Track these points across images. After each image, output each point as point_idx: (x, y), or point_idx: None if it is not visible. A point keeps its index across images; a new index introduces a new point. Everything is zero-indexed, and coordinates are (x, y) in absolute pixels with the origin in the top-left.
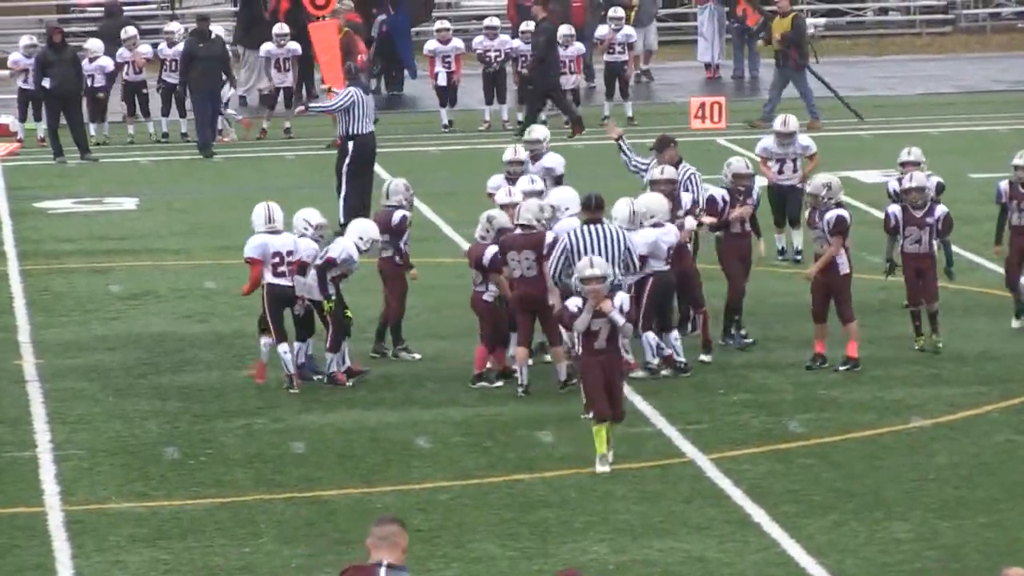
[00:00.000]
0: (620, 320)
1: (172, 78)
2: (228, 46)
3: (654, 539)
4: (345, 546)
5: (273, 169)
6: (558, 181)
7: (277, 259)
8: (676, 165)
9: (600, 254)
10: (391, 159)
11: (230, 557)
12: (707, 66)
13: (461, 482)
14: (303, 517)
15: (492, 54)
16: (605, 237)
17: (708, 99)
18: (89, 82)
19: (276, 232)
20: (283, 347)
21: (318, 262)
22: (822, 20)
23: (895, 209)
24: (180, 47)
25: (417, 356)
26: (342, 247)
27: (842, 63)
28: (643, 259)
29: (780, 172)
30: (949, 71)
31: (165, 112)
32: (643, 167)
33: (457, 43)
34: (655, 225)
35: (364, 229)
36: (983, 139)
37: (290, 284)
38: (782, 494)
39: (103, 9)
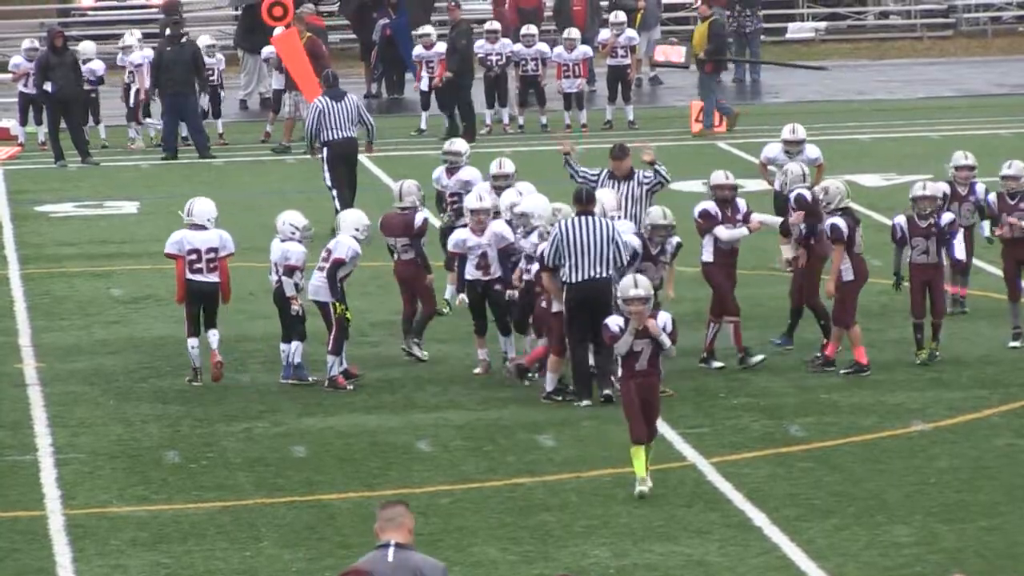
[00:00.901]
0: (668, 343)
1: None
2: (210, 50)
3: (655, 543)
4: (346, 550)
5: (274, 173)
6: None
7: (194, 256)
8: (630, 175)
9: (591, 245)
10: (392, 163)
11: (231, 561)
12: None
13: (462, 486)
14: (304, 521)
15: (493, 58)
16: (596, 229)
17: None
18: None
19: (197, 227)
20: (193, 341)
21: (323, 264)
22: (823, 24)
23: (900, 220)
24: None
25: (425, 355)
26: (346, 245)
27: (843, 67)
28: None
29: None
30: (950, 75)
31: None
32: (591, 177)
33: (441, 48)
34: None
35: (356, 219)
36: (984, 143)
37: (209, 280)
38: (783, 498)
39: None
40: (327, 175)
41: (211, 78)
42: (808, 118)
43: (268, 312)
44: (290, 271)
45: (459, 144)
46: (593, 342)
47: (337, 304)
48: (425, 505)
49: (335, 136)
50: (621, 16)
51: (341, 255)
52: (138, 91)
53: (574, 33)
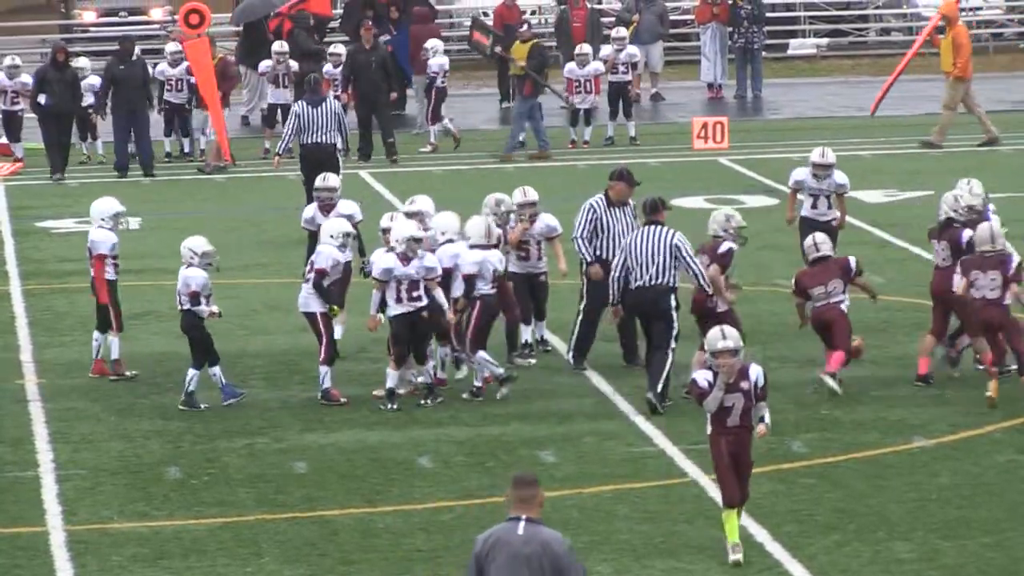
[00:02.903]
0: (766, 424)
1: (175, 98)
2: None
3: (656, 559)
4: (347, 566)
5: (275, 189)
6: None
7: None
8: (624, 202)
9: (654, 254)
10: (393, 178)
11: None
12: (710, 86)
13: (463, 502)
14: (305, 537)
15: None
16: (660, 238)
17: (711, 119)
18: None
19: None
20: (96, 334)
21: (309, 276)
22: (824, 40)
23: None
24: (183, 67)
25: (532, 361)
26: (326, 255)
27: (844, 83)
28: (471, 279)
29: (814, 207)
30: None
31: (167, 132)
32: (584, 235)
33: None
34: (477, 247)
35: (334, 228)
36: (986, 159)
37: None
38: (784, 514)
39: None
40: (303, 178)
41: None
42: (809, 134)
43: (269, 328)
44: (194, 298)
45: (333, 180)
46: (649, 343)
47: (331, 308)
48: (427, 521)
49: (309, 140)
50: (622, 32)
51: (322, 265)
52: (177, 106)
53: (585, 48)
